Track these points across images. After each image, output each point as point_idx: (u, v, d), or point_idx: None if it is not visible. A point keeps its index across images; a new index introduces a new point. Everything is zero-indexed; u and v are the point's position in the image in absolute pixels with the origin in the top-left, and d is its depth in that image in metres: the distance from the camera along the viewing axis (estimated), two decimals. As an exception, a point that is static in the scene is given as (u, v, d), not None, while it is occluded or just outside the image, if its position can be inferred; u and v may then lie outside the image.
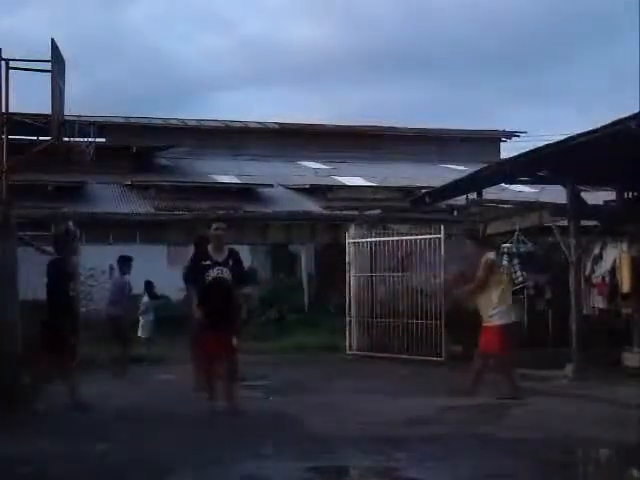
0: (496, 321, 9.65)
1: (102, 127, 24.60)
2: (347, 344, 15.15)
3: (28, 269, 9.96)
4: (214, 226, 9.01)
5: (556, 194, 13.79)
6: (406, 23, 70.99)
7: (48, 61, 9.74)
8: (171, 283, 13.75)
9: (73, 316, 9.37)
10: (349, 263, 15.41)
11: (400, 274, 14.72)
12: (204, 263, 8.81)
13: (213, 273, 8.71)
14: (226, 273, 8.75)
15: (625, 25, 30.55)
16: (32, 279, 9.96)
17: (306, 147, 29.05)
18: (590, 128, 9.47)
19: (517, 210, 13.53)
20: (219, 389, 8.86)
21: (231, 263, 8.83)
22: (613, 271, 13.74)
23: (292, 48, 69.13)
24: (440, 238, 14.10)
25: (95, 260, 18.54)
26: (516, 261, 13.12)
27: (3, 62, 9.86)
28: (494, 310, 9.66)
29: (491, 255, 9.94)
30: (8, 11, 62.71)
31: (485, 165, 15.44)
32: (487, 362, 9.76)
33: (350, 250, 15.43)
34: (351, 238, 15.50)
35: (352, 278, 15.29)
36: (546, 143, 10.79)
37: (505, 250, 13.39)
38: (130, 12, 72.68)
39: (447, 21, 68.49)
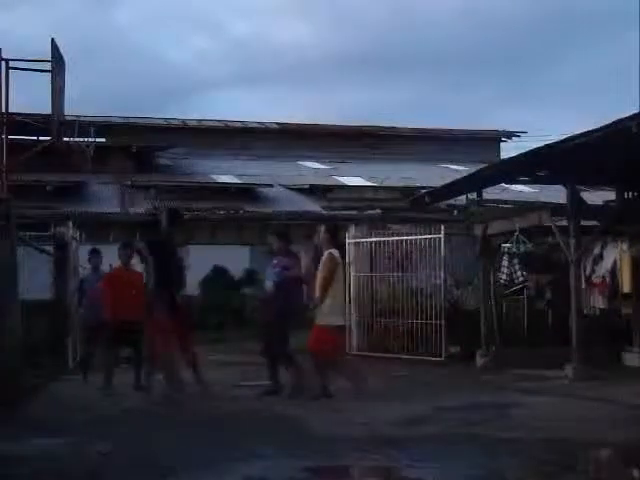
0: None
1: (102, 127, 24.61)
2: (347, 344, 15.13)
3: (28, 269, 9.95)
4: None
5: (556, 194, 13.78)
6: (406, 22, 71.02)
7: (48, 61, 9.76)
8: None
9: None
10: (349, 263, 15.39)
11: (400, 274, 14.72)
12: None
13: None
14: None
15: (625, 24, 30.60)
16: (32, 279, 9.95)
17: (306, 147, 29.05)
18: (590, 128, 9.47)
19: (517, 210, 13.52)
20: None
21: None
22: (613, 271, 13.73)
23: (292, 48, 69.16)
24: (440, 238, 14.10)
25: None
26: (516, 261, 13.12)
27: (3, 62, 9.86)
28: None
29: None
30: (7, 11, 62.69)
31: (485, 165, 15.43)
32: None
33: (350, 250, 15.42)
34: (351, 238, 15.50)
35: (352, 278, 15.27)
36: (546, 143, 10.77)
37: (505, 250, 13.40)
38: (130, 13, 72.71)
39: (447, 20, 68.51)
